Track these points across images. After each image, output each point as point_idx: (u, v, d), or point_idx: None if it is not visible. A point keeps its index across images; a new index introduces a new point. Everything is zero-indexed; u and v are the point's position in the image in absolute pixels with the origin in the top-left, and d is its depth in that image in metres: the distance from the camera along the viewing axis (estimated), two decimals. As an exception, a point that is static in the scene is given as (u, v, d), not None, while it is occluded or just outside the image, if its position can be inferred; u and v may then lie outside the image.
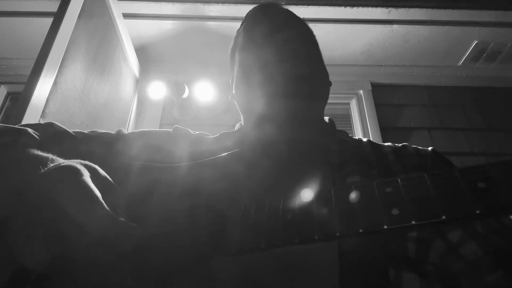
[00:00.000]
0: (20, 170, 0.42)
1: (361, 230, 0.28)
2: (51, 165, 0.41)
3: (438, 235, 0.44)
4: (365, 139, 0.63)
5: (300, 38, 0.68)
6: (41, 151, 0.45)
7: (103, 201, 0.38)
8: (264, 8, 0.72)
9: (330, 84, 0.73)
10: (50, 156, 0.44)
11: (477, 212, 0.23)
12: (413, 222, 0.25)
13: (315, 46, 0.72)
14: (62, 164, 0.40)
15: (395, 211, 0.27)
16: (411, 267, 0.43)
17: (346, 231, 0.29)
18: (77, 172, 0.39)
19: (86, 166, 0.41)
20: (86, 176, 0.39)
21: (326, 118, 0.70)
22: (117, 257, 0.39)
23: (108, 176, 0.44)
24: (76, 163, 0.41)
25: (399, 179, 0.29)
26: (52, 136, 0.56)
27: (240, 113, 0.72)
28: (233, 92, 0.72)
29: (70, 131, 0.59)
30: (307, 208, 0.33)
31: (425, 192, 0.27)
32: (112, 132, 0.63)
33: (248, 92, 0.66)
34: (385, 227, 0.27)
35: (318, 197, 0.33)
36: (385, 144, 0.62)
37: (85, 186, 0.38)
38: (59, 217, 0.37)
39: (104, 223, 0.36)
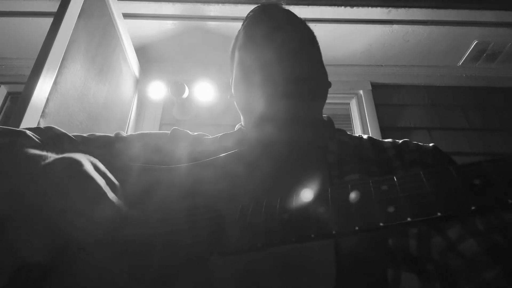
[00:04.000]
0: (19, 170, 0.43)
1: (357, 228, 0.28)
2: (51, 157, 0.42)
3: (437, 232, 0.44)
4: (365, 136, 0.63)
5: (300, 38, 0.67)
6: (40, 151, 0.46)
7: (107, 192, 0.39)
8: (265, 8, 0.72)
9: (329, 85, 0.72)
10: (48, 154, 0.44)
11: (473, 208, 0.24)
12: (409, 219, 0.25)
13: (315, 46, 0.72)
14: (64, 155, 0.41)
15: (391, 209, 0.27)
16: (411, 266, 0.43)
17: (342, 229, 0.29)
18: (79, 163, 0.40)
19: (87, 158, 0.42)
20: (89, 167, 0.41)
21: (325, 117, 0.70)
22: (115, 256, 0.40)
23: (107, 172, 0.45)
24: (77, 155, 0.42)
25: (395, 177, 0.29)
26: (51, 138, 0.56)
27: (240, 113, 0.72)
28: (232, 91, 0.72)
29: (70, 134, 0.60)
30: (303, 207, 0.33)
31: (421, 189, 0.27)
32: (111, 134, 0.64)
33: (248, 92, 0.65)
34: (381, 224, 0.27)
35: (315, 196, 0.34)
36: (386, 140, 0.61)
37: (89, 176, 0.40)
38: (64, 207, 0.38)
39: (110, 213, 0.37)
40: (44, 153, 0.44)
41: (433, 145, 0.57)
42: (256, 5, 0.74)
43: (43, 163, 0.41)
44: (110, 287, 0.39)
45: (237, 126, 0.73)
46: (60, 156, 0.42)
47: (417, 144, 0.58)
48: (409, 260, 0.43)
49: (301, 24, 0.72)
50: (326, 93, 0.70)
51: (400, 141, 0.60)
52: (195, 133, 0.69)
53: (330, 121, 0.69)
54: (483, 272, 0.39)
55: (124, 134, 0.65)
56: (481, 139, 1.97)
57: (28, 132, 0.52)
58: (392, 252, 0.43)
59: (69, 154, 0.42)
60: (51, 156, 0.44)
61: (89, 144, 0.59)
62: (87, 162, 0.42)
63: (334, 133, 0.64)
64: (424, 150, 0.56)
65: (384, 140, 0.62)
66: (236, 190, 0.46)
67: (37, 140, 0.52)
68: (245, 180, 0.48)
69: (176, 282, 0.39)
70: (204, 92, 2.06)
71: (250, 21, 0.71)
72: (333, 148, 0.57)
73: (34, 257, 0.38)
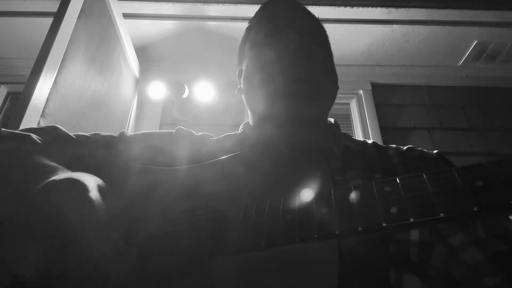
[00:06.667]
0: (22, 178, 0.43)
1: (360, 229, 0.28)
2: (53, 176, 0.42)
3: (439, 239, 0.44)
4: (370, 141, 0.63)
5: (311, 39, 0.65)
6: (45, 159, 0.46)
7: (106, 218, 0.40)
8: (278, 3, 0.70)
9: (337, 87, 0.70)
10: (53, 165, 0.44)
11: (475, 209, 0.24)
12: (412, 220, 0.25)
13: (324, 46, 0.70)
14: (65, 176, 0.41)
15: (393, 210, 0.27)
16: (413, 269, 0.43)
17: (345, 229, 0.29)
18: (81, 186, 0.40)
19: (86, 177, 0.42)
20: (90, 190, 0.41)
21: (332, 120, 0.70)
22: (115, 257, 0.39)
23: (104, 183, 0.44)
24: (78, 175, 0.41)
25: (397, 179, 0.29)
26: (55, 140, 0.56)
27: (248, 109, 0.71)
28: (241, 85, 0.70)
29: (73, 134, 0.60)
30: (307, 207, 0.33)
31: (424, 190, 0.27)
32: (115, 134, 0.64)
33: (251, 90, 0.65)
34: (384, 225, 0.27)
35: (318, 197, 0.34)
36: (390, 146, 0.61)
37: (89, 200, 0.39)
38: (61, 227, 0.38)
39: (105, 245, 0.38)
40: (48, 162, 0.45)
41: (437, 152, 0.57)
42: (256, 5, 0.73)
43: (46, 181, 0.41)
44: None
45: (242, 126, 0.73)
46: (64, 177, 0.41)
47: (421, 151, 0.58)
48: (410, 265, 0.43)
49: (313, 22, 0.70)
50: (332, 94, 0.68)
51: (405, 147, 0.60)
52: (200, 133, 0.68)
53: (336, 125, 0.68)
54: (485, 279, 0.39)
55: (128, 134, 0.64)
56: (481, 139, 1.97)
57: (33, 136, 0.52)
58: (393, 256, 0.43)
59: (69, 174, 0.42)
60: (54, 166, 0.44)
61: (92, 145, 0.59)
62: (92, 184, 0.42)
63: (340, 137, 0.64)
64: (428, 157, 0.56)
65: (388, 146, 0.61)
66: (236, 190, 0.46)
67: (41, 144, 0.52)
68: (245, 181, 0.48)
69: (177, 282, 0.39)
70: (204, 92, 2.06)
71: (262, 16, 0.69)
72: (337, 152, 0.57)
73: (26, 271, 0.38)
